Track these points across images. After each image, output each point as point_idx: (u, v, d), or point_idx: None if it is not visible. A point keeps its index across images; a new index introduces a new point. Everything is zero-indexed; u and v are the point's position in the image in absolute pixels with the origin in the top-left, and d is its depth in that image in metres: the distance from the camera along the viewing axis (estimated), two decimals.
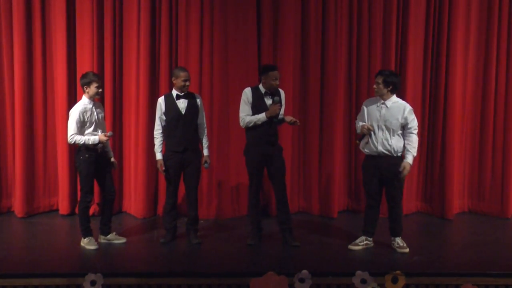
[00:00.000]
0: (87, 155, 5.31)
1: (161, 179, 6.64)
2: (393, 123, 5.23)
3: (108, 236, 5.58)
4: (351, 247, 5.42)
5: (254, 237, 5.58)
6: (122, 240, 5.62)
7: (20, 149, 6.49)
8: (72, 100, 6.58)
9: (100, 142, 5.30)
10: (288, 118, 5.51)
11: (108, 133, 5.38)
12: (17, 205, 6.55)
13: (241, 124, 5.49)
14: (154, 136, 5.60)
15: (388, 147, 5.24)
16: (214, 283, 4.63)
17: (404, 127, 5.28)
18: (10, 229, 6.18)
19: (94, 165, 5.35)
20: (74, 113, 5.27)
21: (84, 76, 5.41)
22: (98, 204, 6.62)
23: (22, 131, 6.49)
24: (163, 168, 5.52)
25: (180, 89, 5.49)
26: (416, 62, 6.74)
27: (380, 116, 5.27)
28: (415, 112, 6.67)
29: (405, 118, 5.25)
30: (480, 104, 6.90)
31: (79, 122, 5.26)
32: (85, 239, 5.41)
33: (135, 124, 6.56)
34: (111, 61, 6.56)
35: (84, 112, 5.29)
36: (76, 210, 6.66)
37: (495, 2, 6.72)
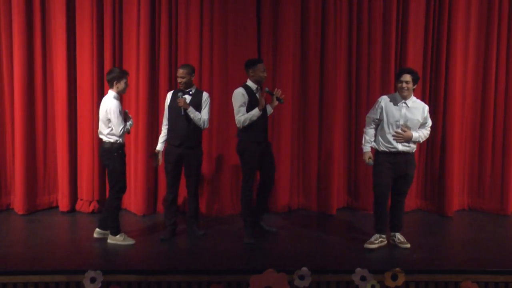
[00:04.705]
0: (120, 151, 5.37)
1: (160, 176, 6.65)
2: (414, 123, 5.27)
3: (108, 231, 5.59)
4: (367, 245, 5.37)
5: (250, 236, 5.57)
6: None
7: (20, 146, 6.49)
8: (72, 99, 6.61)
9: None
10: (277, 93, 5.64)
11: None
12: (17, 202, 6.56)
13: (239, 125, 5.51)
14: (162, 127, 5.77)
15: (407, 145, 5.26)
16: (214, 280, 4.63)
17: (421, 126, 5.34)
18: (10, 226, 6.18)
19: (125, 160, 5.44)
20: (115, 108, 5.28)
21: (113, 71, 5.42)
22: (98, 201, 6.65)
23: (22, 129, 6.48)
24: (155, 157, 5.72)
25: (180, 85, 5.58)
26: (416, 61, 6.73)
27: (401, 115, 5.25)
28: None
29: (425, 118, 5.32)
30: (480, 102, 6.90)
31: (122, 113, 5.35)
32: (119, 236, 5.44)
33: (134, 121, 6.54)
34: (111, 60, 6.55)
35: (120, 105, 5.39)
36: (77, 207, 6.71)
37: (495, 1, 6.72)
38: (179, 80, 5.57)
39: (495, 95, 6.84)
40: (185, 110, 5.49)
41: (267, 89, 5.64)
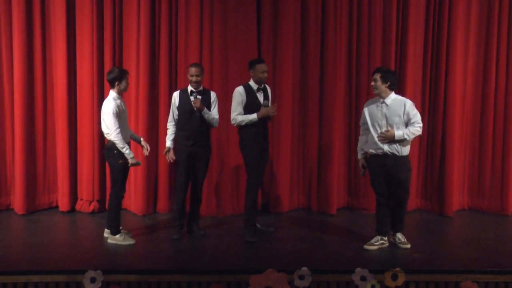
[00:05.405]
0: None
1: (160, 176, 6.65)
2: (396, 120, 5.19)
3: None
4: (366, 247, 5.35)
5: (252, 234, 5.58)
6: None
7: (20, 146, 6.49)
8: (72, 99, 6.60)
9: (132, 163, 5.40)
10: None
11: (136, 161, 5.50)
12: (17, 202, 6.55)
13: (233, 123, 5.58)
14: (167, 126, 5.76)
15: (393, 145, 5.19)
16: (214, 280, 4.63)
17: (407, 123, 5.23)
18: (10, 226, 6.18)
19: (126, 159, 5.44)
20: (110, 110, 5.26)
21: (113, 71, 5.40)
22: (98, 201, 6.64)
23: (22, 129, 6.48)
24: (167, 154, 5.66)
25: (190, 84, 5.60)
26: (416, 60, 6.74)
27: (381, 115, 5.23)
28: None
29: (407, 114, 5.20)
30: (480, 101, 6.90)
31: (117, 115, 5.28)
32: (119, 236, 5.45)
33: (134, 121, 6.56)
34: (111, 60, 6.56)
35: (118, 106, 5.32)
36: (77, 207, 6.70)
37: (495, 1, 6.72)
38: (194, 78, 5.54)
39: (495, 95, 6.84)
40: (200, 110, 5.49)
41: (266, 102, 5.57)
